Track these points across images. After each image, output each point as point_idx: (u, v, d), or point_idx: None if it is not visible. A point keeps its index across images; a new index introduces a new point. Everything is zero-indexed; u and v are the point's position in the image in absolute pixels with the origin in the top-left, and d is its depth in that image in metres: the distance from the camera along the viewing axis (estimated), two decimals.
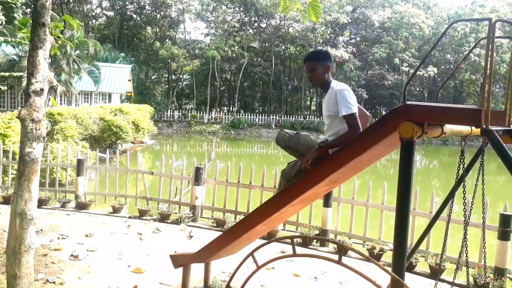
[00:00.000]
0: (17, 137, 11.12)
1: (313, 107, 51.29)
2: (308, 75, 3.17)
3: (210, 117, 38.58)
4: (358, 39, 42.51)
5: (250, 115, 40.13)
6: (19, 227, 3.13)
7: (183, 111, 39.92)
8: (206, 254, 3.80)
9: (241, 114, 40.32)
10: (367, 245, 5.99)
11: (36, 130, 3.12)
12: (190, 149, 29.28)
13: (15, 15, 21.59)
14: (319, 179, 2.87)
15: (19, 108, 20.17)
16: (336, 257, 2.19)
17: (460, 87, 41.04)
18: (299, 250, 5.88)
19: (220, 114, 40.18)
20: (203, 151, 27.22)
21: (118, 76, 27.76)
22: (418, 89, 44.42)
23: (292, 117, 40.48)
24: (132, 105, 23.13)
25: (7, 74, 17.38)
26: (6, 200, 7.52)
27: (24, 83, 18.01)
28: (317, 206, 6.47)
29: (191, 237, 6.16)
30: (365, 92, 38.71)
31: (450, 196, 3.52)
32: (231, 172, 7.24)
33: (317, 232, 6.26)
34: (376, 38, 40.70)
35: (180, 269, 4.16)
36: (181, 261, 4.07)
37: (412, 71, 37.11)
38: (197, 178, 7.04)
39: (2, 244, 5.20)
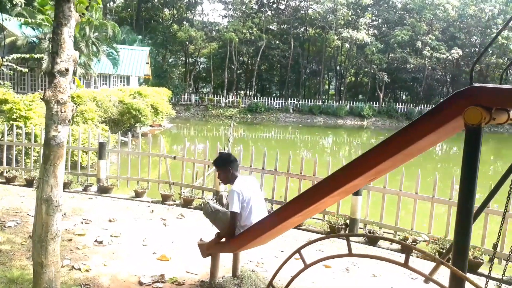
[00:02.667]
0: (38, 119, 11.11)
1: (331, 91, 50.53)
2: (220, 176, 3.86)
3: (227, 101, 38.32)
4: (380, 21, 41.27)
5: (268, 99, 39.69)
6: (45, 213, 3.00)
7: (200, 95, 39.73)
8: (237, 244, 3.61)
9: (258, 98, 39.92)
10: (399, 235, 5.75)
11: (62, 112, 2.94)
12: (207, 133, 29.17)
13: None
14: (366, 169, 2.62)
15: (40, 90, 20.31)
16: (391, 255, 1.95)
17: (485, 71, 39.65)
18: (326, 240, 5.68)
19: (237, 98, 39.87)
20: (220, 135, 27.09)
21: (136, 58, 27.63)
22: (440, 73, 43.12)
23: (310, 101, 39.89)
24: (151, 88, 22.98)
25: (27, 56, 17.42)
26: (29, 183, 7.50)
27: (44, 65, 18.10)
28: None
29: None
30: (386, 76, 37.78)
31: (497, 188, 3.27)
32: (250, 157, 7.03)
33: (346, 221, 6.04)
34: (398, 20, 39.45)
35: (207, 257, 4.01)
36: (210, 250, 3.90)
37: (435, 54, 36.00)
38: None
39: (26, 228, 5.14)
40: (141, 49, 29.03)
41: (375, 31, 39.44)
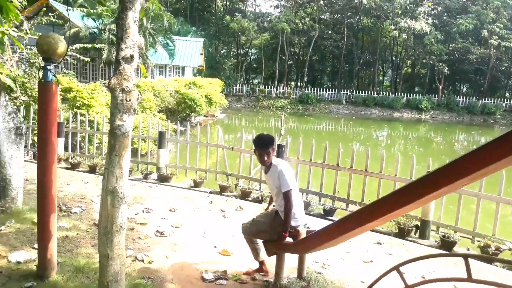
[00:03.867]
0: (99, 107, 11.44)
1: (386, 83, 48.65)
2: (259, 158, 3.63)
3: (278, 92, 38.02)
4: (440, 9, 38.89)
5: (319, 90, 38.90)
6: (110, 205, 2.88)
7: (251, 86, 39.72)
8: (307, 246, 3.34)
9: (309, 89, 39.22)
10: (478, 241, 5.21)
11: (127, 101, 2.79)
12: (258, 123, 29.08)
13: None
14: (475, 169, 2.22)
15: (100, 79, 21.10)
16: None
17: None
18: (395, 242, 5.26)
19: (288, 89, 39.44)
20: (270, 126, 26.88)
21: (191, 49, 27.99)
22: (506, 64, 39.96)
23: (364, 93, 38.57)
24: (205, 79, 23.20)
25: (89, 45, 18.13)
26: (92, 169, 7.68)
27: (105, 55, 18.73)
28: None
29: None
30: (446, 68, 35.64)
31: None
32: (302, 150, 6.70)
33: (416, 222, 5.58)
34: (461, 8, 36.98)
35: (272, 256, 3.78)
36: (276, 249, 3.67)
37: (504, 43, 33.37)
38: (278, 155, 6.59)
39: (91, 214, 5.18)
40: (196, 40, 29.38)
41: (435, 20, 37.26)
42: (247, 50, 44.88)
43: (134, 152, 8.46)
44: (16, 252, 3.79)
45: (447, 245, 5.25)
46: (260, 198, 6.56)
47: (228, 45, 44.37)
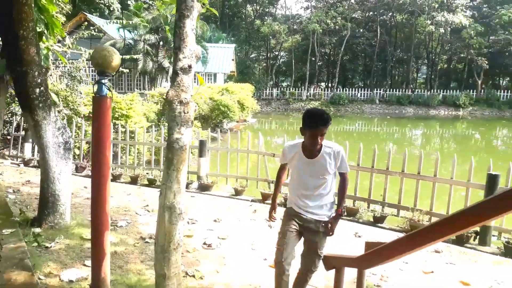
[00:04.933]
0: (137, 117, 11.60)
1: (419, 80, 47.24)
2: (317, 140, 2.94)
3: (308, 93, 37.66)
4: (479, 0, 37.38)
5: (351, 90, 38.20)
6: (168, 222, 2.78)
7: (281, 89, 39.52)
8: (372, 260, 3.11)
9: (340, 89, 38.62)
10: None
11: (185, 113, 2.69)
12: (288, 126, 28.83)
13: (129, 1, 22.85)
14: None
15: (136, 90, 21.49)
16: None
17: None
18: (454, 249, 4.94)
19: (318, 90, 38.97)
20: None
21: (222, 55, 28.16)
22: None
23: (398, 91, 37.56)
24: (236, 84, 23.25)
25: (128, 56, 18.52)
26: (134, 180, 7.72)
27: (140, 66, 19.06)
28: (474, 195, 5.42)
29: None
30: (486, 62, 34.15)
31: None
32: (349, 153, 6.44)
33: (475, 228, 5.23)
34: None
35: (330, 270, 3.58)
36: (335, 263, 3.47)
37: None
38: None
39: (137, 228, 5.16)
40: (227, 46, 29.54)
41: (474, 12, 35.81)
42: (276, 53, 44.77)
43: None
44: (67, 270, 3.77)
45: (511, 252, 4.88)
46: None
47: (258, 49, 44.46)
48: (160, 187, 2.78)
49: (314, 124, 2.89)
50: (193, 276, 3.88)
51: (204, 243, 4.76)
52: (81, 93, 9.10)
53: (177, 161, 2.72)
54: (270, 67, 42.59)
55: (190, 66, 2.68)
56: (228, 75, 31.63)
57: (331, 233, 3.15)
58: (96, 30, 9.54)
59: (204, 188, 7.19)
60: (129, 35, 21.00)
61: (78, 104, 9.29)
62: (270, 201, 6.62)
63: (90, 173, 8.04)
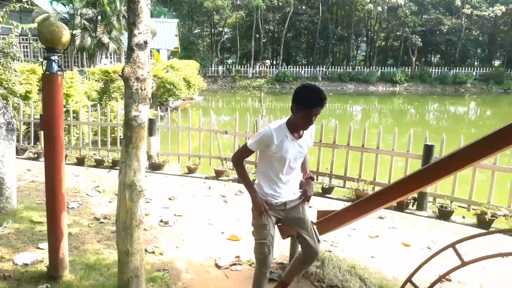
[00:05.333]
0: (78, 96, 11.07)
1: (359, 57, 48.94)
2: (312, 120, 2.67)
3: (254, 71, 37.75)
4: None
5: (295, 68, 38.83)
6: (129, 200, 2.78)
7: (227, 66, 39.22)
8: (328, 226, 3.35)
9: (285, 67, 39.07)
10: (474, 209, 5.37)
11: (142, 90, 2.67)
12: (236, 104, 28.90)
13: None
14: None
15: (74, 67, 20.33)
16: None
17: None
18: (395, 215, 5.38)
19: (264, 68, 39.17)
20: (248, 107, 26.77)
21: (165, 31, 27.25)
22: (475, 32, 40.76)
23: (339, 68, 38.76)
24: (181, 61, 22.69)
25: None
26: (80, 161, 7.46)
27: (78, 42, 18.00)
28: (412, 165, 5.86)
29: None
30: (419, 40, 36.09)
31: None
32: None
33: (413, 195, 5.69)
34: None
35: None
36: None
37: (476, 12, 33.94)
38: None
39: (89, 209, 5.05)
40: (170, 22, 28.61)
41: None
42: (221, 29, 44.11)
43: (114, 141, 8.25)
44: (20, 254, 3.66)
45: (444, 215, 5.41)
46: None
47: (201, 25, 43.48)
48: (119, 165, 2.77)
49: (318, 103, 2.57)
50: (153, 252, 3.92)
51: (161, 221, 4.78)
52: (15, 70, 8.49)
53: (136, 138, 2.70)
54: (214, 43, 41.96)
55: (146, 42, 2.64)
56: (172, 51, 30.76)
57: (310, 195, 2.95)
58: (28, 3, 8.83)
59: (155, 167, 7.12)
60: (64, 8, 19.67)
61: (14, 83, 8.68)
62: (223, 178, 6.75)
63: (32, 155, 7.67)
